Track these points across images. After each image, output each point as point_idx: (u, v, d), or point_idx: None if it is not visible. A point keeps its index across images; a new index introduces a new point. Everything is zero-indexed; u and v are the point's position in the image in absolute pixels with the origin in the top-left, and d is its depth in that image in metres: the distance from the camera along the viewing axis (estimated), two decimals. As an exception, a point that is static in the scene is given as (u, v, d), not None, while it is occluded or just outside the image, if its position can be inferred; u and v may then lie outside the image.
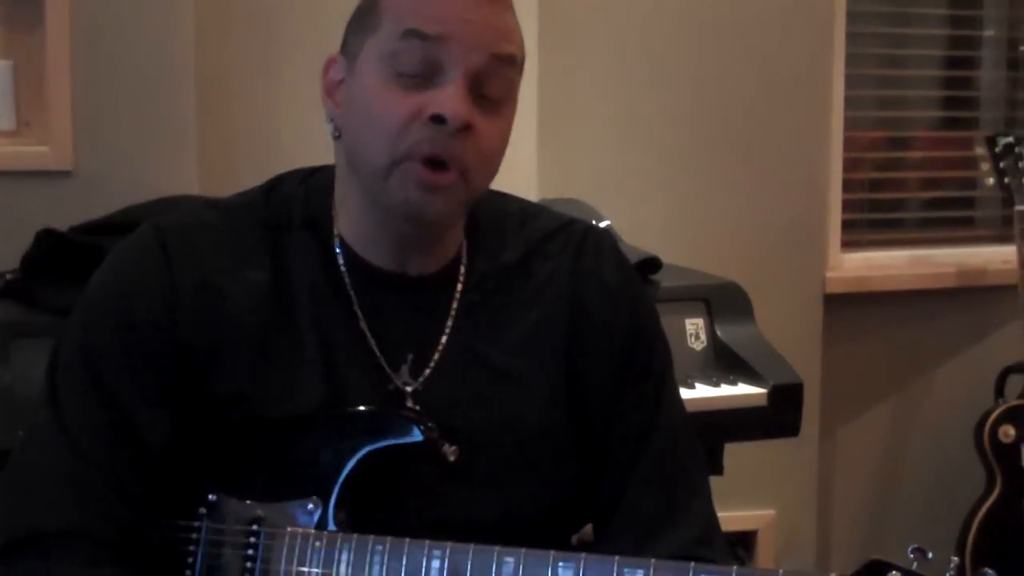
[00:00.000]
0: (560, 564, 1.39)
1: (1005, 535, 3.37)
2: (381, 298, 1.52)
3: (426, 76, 1.42)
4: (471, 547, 1.40)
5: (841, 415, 3.62)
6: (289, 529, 1.45)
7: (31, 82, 2.47)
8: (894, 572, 1.31)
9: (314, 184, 1.57)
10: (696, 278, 2.66)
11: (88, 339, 1.48)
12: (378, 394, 1.49)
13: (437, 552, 1.40)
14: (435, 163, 1.42)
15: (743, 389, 2.47)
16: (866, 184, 3.76)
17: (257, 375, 1.47)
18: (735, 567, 1.35)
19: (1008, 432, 3.37)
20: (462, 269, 1.56)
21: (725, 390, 2.46)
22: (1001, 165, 3.41)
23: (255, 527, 1.46)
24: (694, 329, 2.53)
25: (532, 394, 1.53)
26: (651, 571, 1.37)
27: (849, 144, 3.56)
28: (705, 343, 2.54)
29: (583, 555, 1.39)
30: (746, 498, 3.24)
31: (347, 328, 1.51)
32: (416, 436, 1.46)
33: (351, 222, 1.52)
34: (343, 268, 1.52)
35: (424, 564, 1.40)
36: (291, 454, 1.47)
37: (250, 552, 1.46)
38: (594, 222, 1.84)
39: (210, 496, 1.48)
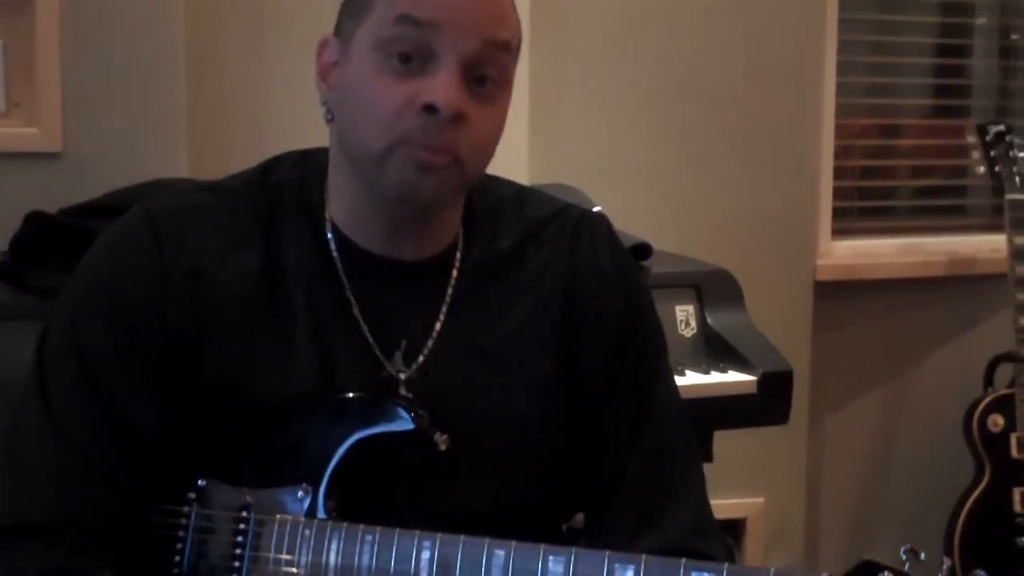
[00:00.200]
0: (551, 557, 1.37)
1: (993, 524, 3.37)
2: (374, 284, 1.50)
3: (419, 62, 1.40)
4: (461, 538, 1.39)
5: (831, 403, 3.62)
6: (279, 516, 1.44)
7: (20, 63, 2.45)
8: (886, 573, 1.30)
9: (309, 166, 1.55)
10: (686, 265, 2.65)
11: (77, 325, 1.46)
12: (371, 381, 1.48)
13: (427, 543, 1.39)
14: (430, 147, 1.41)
15: (733, 376, 2.47)
16: (857, 172, 3.74)
17: (248, 360, 1.46)
18: (726, 565, 1.34)
19: (997, 421, 3.38)
20: (457, 255, 1.54)
21: (715, 377, 2.46)
22: (992, 154, 3.40)
23: (244, 513, 1.45)
24: (684, 316, 2.53)
25: (527, 382, 1.52)
26: (642, 567, 1.35)
27: (840, 131, 3.55)
28: (695, 330, 2.54)
29: (573, 549, 1.38)
30: (735, 486, 3.24)
31: (339, 314, 1.49)
32: (407, 424, 1.45)
33: (344, 206, 1.51)
34: (335, 253, 1.51)
35: (414, 555, 1.39)
36: (282, 440, 1.46)
37: (239, 539, 1.45)
38: (587, 207, 1.83)
39: (199, 481, 1.47)
